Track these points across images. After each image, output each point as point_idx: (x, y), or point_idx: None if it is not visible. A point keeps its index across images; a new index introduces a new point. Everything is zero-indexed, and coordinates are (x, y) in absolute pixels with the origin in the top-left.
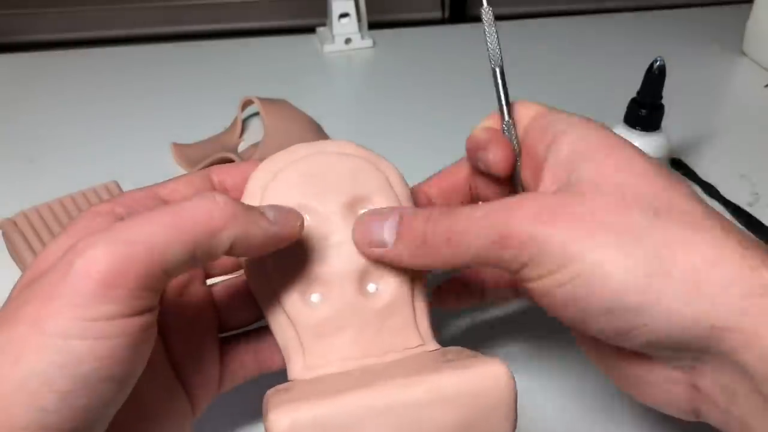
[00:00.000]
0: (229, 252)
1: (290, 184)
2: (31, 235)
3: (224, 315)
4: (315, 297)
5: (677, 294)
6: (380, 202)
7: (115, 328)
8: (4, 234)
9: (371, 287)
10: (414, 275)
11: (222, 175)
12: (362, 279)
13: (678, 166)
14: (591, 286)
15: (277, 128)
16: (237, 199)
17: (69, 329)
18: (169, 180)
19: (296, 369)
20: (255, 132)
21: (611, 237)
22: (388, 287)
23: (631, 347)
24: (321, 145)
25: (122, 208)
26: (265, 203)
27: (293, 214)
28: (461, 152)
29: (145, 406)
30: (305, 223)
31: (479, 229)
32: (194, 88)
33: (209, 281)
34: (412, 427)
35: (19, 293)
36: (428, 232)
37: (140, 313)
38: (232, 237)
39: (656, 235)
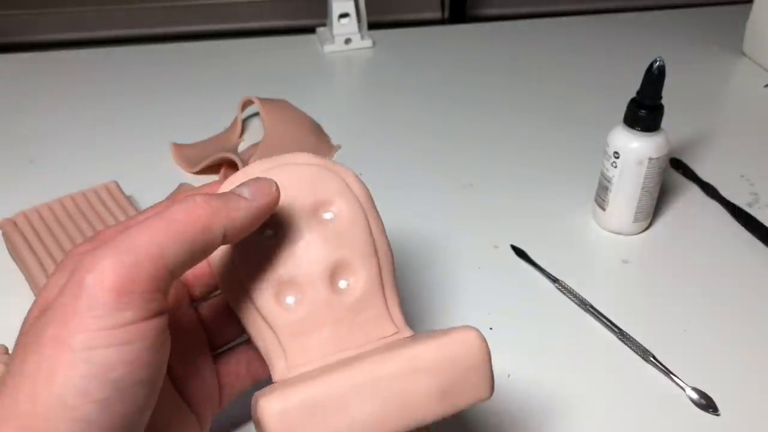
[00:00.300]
0: (224, 240)
1: None
2: (31, 235)
3: (212, 333)
4: (290, 299)
5: None
6: (341, 203)
7: (136, 332)
8: (4, 234)
9: (342, 283)
10: (382, 268)
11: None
12: (333, 276)
13: (677, 166)
14: None
15: (276, 128)
16: (209, 194)
17: (94, 340)
18: (159, 205)
19: (279, 371)
20: (255, 132)
21: None
22: (358, 281)
23: None
24: (280, 158)
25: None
26: None
27: (266, 183)
28: (461, 152)
29: (157, 428)
30: (270, 234)
31: None
32: (194, 88)
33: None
34: (395, 398)
35: (35, 322)
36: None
37: (155, 315)
38: (221, 228)
39: None
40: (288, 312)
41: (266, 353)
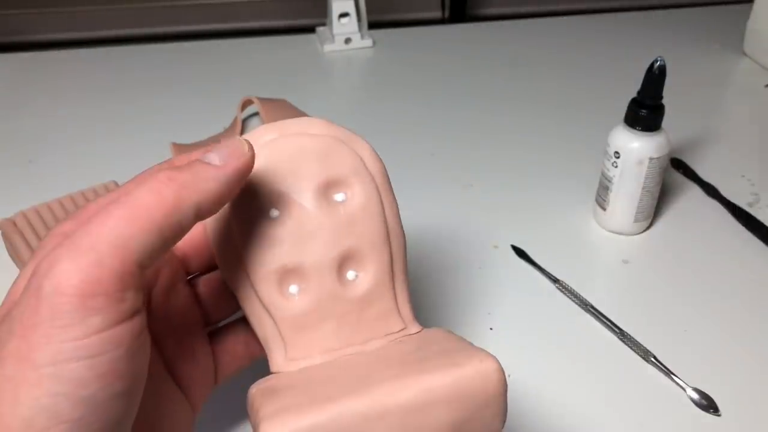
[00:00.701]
0: (198, 217)
1: (257, 171)
2: (30, 235)
3: (209, 309)
4: (293, 288)
5: None
6: (355, 184)
7: (107, 340)
8: (3, 234)
9: (350, 274)
10: (394, 258)
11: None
12: (341, 267)
13: (678, 166)
14: None
15: None
16: (173, 168)
17: (60, 354)
18: (120, 189)
19: (278, 361)
20: None
21: None
22: (367, 274)
23: None
24: (287, 126)
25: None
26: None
27: (237, 143)
28: (460, 152)
29: (146, 416)
30: (276, 215)
31: None
32: (194, 88)
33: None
34: (407, 429)
35: None
36: None
37: (128, 317)
38: (192, 205)
39: None
40: (290, 302)
41: (265, 342)
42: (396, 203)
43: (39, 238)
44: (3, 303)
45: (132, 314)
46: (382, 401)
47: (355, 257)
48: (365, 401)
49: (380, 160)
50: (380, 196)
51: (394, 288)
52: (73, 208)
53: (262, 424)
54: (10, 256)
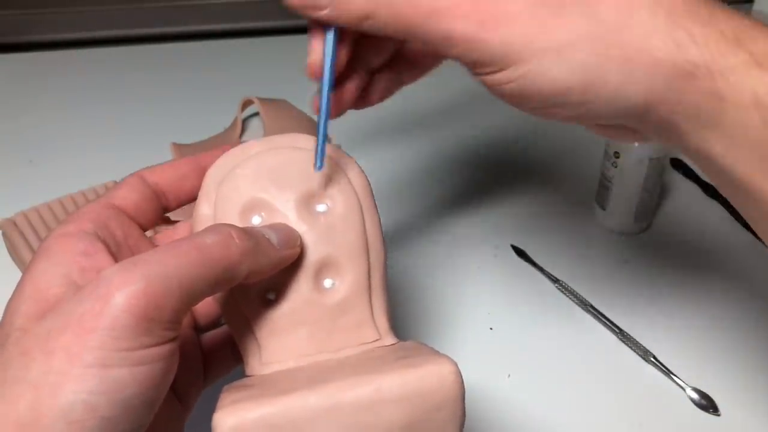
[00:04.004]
0: (242, 281)
1: (245, 180)
2: (30, 235)
3: (198, 314)
4: (271, 294)
5: (614, 82)
6: (336, 196)
7: (151, 355)
8: (3, 234)
9: (327, 282)
10: (372, 270)
11: (155, 176)
12: (318, 274)
13: (678, 166)
14: (537, 85)
15: (277, 128)
16: (243, 231)
17: (109, 359)
18: (112, 189)
19: (253, 365)
20: (255, 132)
21: (551, 41)
22: (344, 282)
23: (584, 123)
24: (276, 140)
25: (92, 224)
26: (219, 200)
27: (293, 233)
28: (460, 151)
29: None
30: (258, 222)
31: (424, 18)
32: (194, 88)
33: None
34: (358, 427)
35: (36, 324)
36: (370, 6)
37: (171, 340)
38: (246, 270)
39: (592, 26)
40: (267, 307)
41: (241, 345)
42: (378, 218)
43: (39, 238)
44: (27, 290)
45: (173, 338)
46: (333, 396)
47: (333, 266)
48: (317, 396)
49: (365, 175)
50: (362, 209)
51: (370, 299)
52: (74, 208)
53: (216, 414)
54: (11, 256)
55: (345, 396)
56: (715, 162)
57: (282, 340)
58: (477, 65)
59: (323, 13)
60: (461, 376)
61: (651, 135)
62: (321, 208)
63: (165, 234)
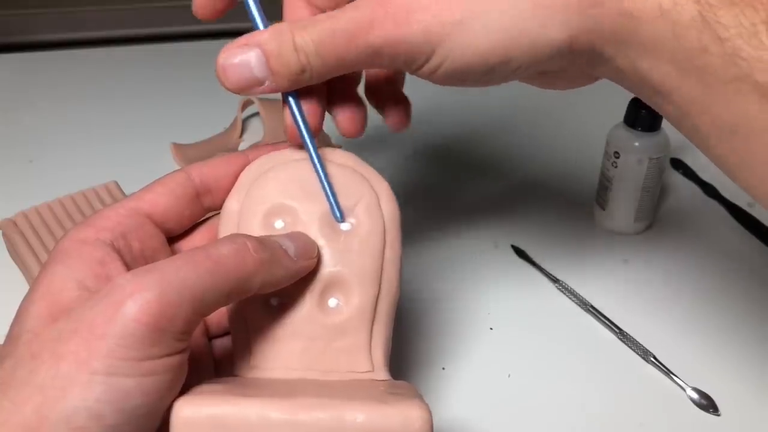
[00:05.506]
0: (256, 292)
1: (276, 183)
2: (30, 235)
3: (210, 322)
4: (274, 300)
5: (533, 30)
6: (363, 217)
7: (160, 365)
8: (3, 234)
9: (332, 302)
10: (380, 299)
11: (203, 172)
12: (324, 291)
13: (678, 166)
14: (466, 58)
15: (277, 128)
16: (259, 242)
17: (117, 368)
18: (145, 189)
19: (241, 366)
20: (255, 132)
21: (463, 11)
22: (348, 305)
23: (524, 79)
24: (322, 152)
25: (110, 234)
26: (247, 198)
27: (310, 244)
28: (460, 151)
29: None
30: (280, 226)
31: (347, 44)
32: (194, 88)
33: None
34: None
35: (46, 328)
36: (302, 60)
37: (180, 352)
38: (260, 282)
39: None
40: (266, 313)
41: (234, 343)
42: (400, 250)
43: (39, 238)
44: (41, 293)
45: (183, 350)
46: (294, 413)
47: (341, 285)
48: (278, 408)
49: (395, 202)
50: (385, 236)
51: (371, 329)
52: (74, 208)
53: (176, 401)
54: (11, 256)
55: (306, 416)
56: (648, 79)
57: (274, 348)
58: (409, 62)
59: (266, 87)
60: (431, 425)
61: (586, 70)
62: (345, 226)
63: (187, 240)
